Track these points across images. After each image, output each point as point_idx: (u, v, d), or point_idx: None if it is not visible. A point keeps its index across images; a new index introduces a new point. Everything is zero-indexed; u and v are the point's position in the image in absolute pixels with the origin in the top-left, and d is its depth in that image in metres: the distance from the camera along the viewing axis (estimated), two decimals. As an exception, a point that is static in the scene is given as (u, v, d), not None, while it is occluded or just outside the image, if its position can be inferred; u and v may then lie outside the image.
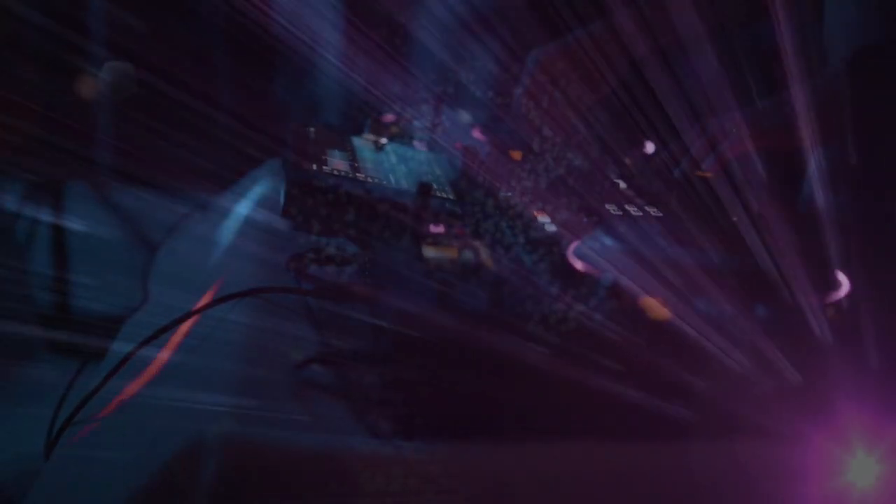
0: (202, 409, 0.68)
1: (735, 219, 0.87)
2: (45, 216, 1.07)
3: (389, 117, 1.08)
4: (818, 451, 0.69)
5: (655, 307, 0.73)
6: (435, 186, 0.93)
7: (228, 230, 1.01)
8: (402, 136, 1.08)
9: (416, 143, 1.10)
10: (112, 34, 1.06)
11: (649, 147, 1.02)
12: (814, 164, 0.89)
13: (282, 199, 0.89)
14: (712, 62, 0.87)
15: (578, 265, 0.78)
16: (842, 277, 0.82)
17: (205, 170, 1.01)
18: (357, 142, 1.05)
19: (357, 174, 0.94)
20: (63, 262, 1.07)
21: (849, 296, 0.81)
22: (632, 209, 0.91)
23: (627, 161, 0.98)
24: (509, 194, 0.86)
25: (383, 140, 1.06)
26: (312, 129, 1.04)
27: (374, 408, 0.70)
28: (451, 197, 0.94)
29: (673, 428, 0.71)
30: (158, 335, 0.77)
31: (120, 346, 0.79)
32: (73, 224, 1.08)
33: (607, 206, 0.90)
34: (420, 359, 0.70)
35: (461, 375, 0.69)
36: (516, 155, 0.95)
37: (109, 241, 1.08)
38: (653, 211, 0.91)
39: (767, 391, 0.74)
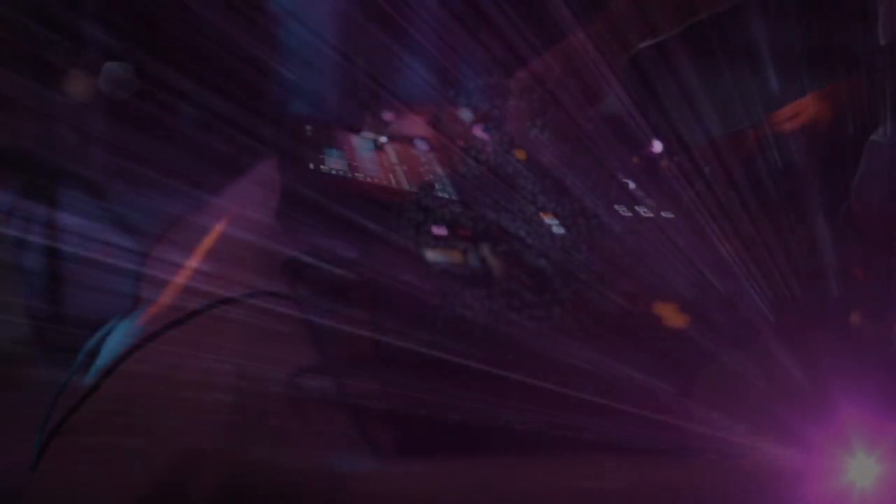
0: (196, 419, 0.67)
1: (750, 219, 0.85)
2: (40, 217, 1.07)
3: (389, 115, 1.06)
4: (818, 451, 0.69)
5: (668, 313, 0.72)
6: (437, 187, 0.91)
7: (223, 232, 1.00)
8: (403, 135, 1.07)
9: (416, 141, 1.08)
10: (109, 34, 1.05)
11: (657, 146, 1.00)
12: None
13: (277, 200, 0.87)
14: (742, 50, 0.84)
15: (587, 268, 0.77)
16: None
17: (199, 170, 1.01)
18: (355, 140, 1.04)
19: (355, 174, 0.92)
20: (57, 264, 1.07)
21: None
22: (642, 210, 0.89)
23: (636, 160, 0.96)
24: (514, 195, 0.84)
25: (383, 138, 1.04)
26: (309, 128, 1.02)
27: (374, 422, 0.69)
28: (453, 198, 0.92)
29: (672, 431, 0.70)
30: (152, 339, 0.76)
31: (112, 351, 0.78)
32: (68, 225, 1.08)
33: (616, 208, 0.88)
34: (421, 370, 0.68)
35: (463, 388, 0.67)
36: (521, 154, 0.93)
37: (105, 242, 1.07)
38: (664, 212, 0.89)
39: (768, 393, 0.73)
